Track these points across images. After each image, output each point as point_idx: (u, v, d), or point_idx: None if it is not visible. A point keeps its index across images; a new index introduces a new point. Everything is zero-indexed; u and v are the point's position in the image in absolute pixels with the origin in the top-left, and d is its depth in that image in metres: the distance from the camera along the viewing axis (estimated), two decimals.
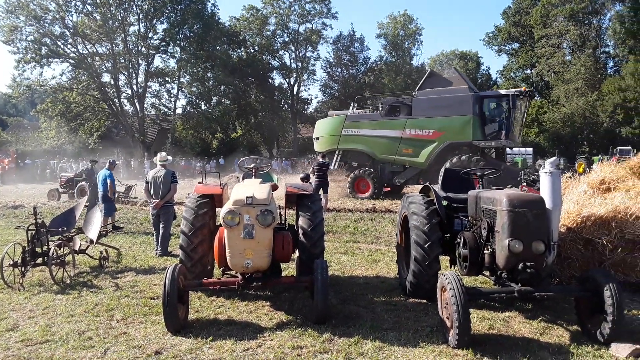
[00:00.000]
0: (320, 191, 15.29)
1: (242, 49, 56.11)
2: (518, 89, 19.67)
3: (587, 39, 49.99)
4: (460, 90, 19.39)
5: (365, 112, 22.15)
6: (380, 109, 21.12)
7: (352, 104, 23.64)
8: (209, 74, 51.74)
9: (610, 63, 53.37)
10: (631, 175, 7.18)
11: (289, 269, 7.75)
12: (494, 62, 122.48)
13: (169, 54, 50.82)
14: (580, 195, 7.18)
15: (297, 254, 6.39)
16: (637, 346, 4.45)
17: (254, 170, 6.91)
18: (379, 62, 62.40)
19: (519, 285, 4.83)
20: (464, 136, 18.89)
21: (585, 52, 49.04)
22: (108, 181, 11.86)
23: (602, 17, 52.04)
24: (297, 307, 5.98)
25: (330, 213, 14.72)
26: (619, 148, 36.91)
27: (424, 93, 20.00)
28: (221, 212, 5.31)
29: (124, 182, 19.26)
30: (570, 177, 7.90)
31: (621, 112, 44.19)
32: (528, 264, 4.74)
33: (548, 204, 5.00)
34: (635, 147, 35.25)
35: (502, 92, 20.41)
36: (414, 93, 20.91)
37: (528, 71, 58.38)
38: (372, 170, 20.07)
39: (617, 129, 45.46)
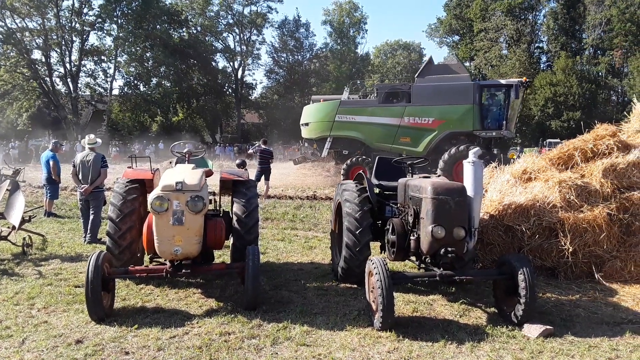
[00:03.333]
0: (263, 178, 15.24)
1: (183, 30, 54.43)
2: (519, 79, 19.37)
3: (522, 34, 52.28)
4: (462, 78, 18.94)
5: (360, 98, 21.47)
6: (375, 95, 20.29)
7: (345, 89, 22.85)
8: (148, 54, 49.95)
9: (544, 58, 56.17)
10: (550, 166, 7.62)
11: (224, 256, 7.70)
12: (436, 54, 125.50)
13: (105, 32, 48.61)
14: (504, 184, 7.57)
15: (231, 240, 6.36)
16: (548, 327, 4.76)
17: (187, 155, 6.77)
18: (324, 49, 62.45)
19: (441, 269, 5.05)
20: (465, 125, 18.46)
21: (520, 46, 51.27)
22: (51, 162, 11.33)
23: (537, 14, 54.63)
24: (229, 294, 5.97)
25: (270, 200, 14.71)
26: (548, 140, 39.10)
27: (424, 80, 19.31)
28: (149, 197, 5.18)
29: (11, 166, 17.63)
30: (495, 167, 8.29)
31: (551, 105, 46.69)
32: (450, 249, 4.95)
33: (469, 192, 5.22)
34: (563, 139, 37.44)
35: (503, 81, 20.00)
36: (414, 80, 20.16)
37: (467, 64, 60.34)
38: (369, 158, 18.98)
39: (548, 122, 48.05)
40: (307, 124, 21.66)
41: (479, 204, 5.40)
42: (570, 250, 6.48)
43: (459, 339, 4.62)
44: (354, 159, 18.94)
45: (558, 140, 37.47)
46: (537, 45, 55.25)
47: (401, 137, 19.30)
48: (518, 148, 42.00)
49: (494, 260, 6.77)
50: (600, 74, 49.17)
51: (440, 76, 19.23)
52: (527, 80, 19.54)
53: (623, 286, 6.32)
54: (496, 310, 5.37)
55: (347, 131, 20.12)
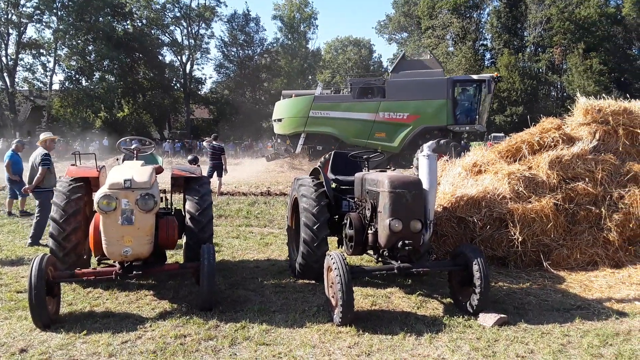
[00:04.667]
0: (215, 175, 14.90)
1: (128, 22, 52.48)
2: (491, 75, 19.56)
3: (468, 32, 53.83)
4: (436, 73, 18.91)
5: (334, 93, 21.06)
6: (349, 90, 20.03)
7: (318, 84, 22.45)
8: (90, 47, 47.90)
9: (488, 55, 58.07)
10: (499, 158, 7.86)
11: (176, 256, 7.46)
12: (385, 50, 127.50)
13: (44, 24, 46.24)
14: (455, 177, 7.74)
15: (184, 239, 6.14)
16: (502, 315, 4.89)
17: (135, 152, 6.47)
18: (275, 44, 62.02)
19: (399, 262, 5.07)
20: (439, 120, 18.47)
21: (466, 44, 52.80)
22: (6, 161, 10.71)
23: (481, 12, 56.39)
24: (183, 295, 5.77)
25: (223, 197, 14.42)
26: (493, 134, 40.52)
27: (398, 75, 19.21)
28: (96, 196, 4.91)
29: None
30: (447, 161, 8.46)
31: (495, 101, 48.38)
32: (407, 241, 4.97)
33: (425, 185, 5.27)
34: (507, 133, 38.90)
35: (476, 77, 20.07)
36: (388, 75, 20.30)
37: None
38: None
39: (492, 116, 49.75)
40: (280, 120, 21.22)
41: (434, 197, 5.47)
42: (520, 239, 6.70)
43: (417, 331, 4.66)
44: (329, 155, 18.81)
45: (502, 134, 38.92)
46: (481, 42, 57.08)
47: (376, 132, 19.25)
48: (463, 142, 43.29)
49: (448, 252, 6.90)
50: (540, 70, 51.38)
51: (414, 71, 19.25)
52: (498, 75, 19.93)
53: (570, 273, 6.59)
54: (452, 301, 5.46)
55: (321, 127, 19.86)
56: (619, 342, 4.44)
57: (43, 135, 8.94)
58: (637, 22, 46.70)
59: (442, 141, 17.38)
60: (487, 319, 4.85)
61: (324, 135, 20.02)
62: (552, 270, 6.64)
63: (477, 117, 18.96)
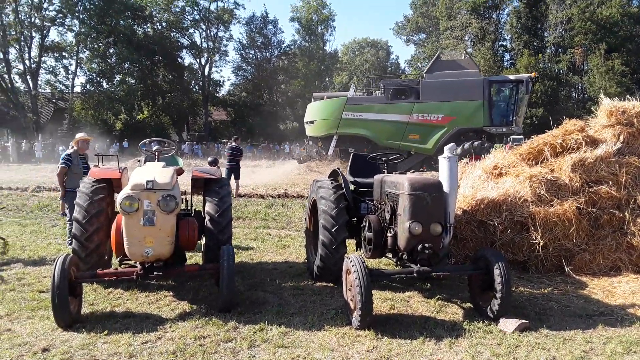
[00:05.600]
0: (232, 176, 14.98)
1: (148, 25, 53.18)
2: (529, 75, 19.23)
3: (487, 33, 53.27)
4: (472, 74, 18.61)
5: (366, 95, 20.79)
6: (382, 91, 19.84)
7: (352, 86, 22.41)
8: (111, 50, 48.66)
9: (507, 56, 57.37)
10: (520, 161, 7.74)
11: (195, 257, 7.52)
12: (402, 52, 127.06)
13: (67, 27, 47.08)
14: (476, 180, 7.65)
15: (204, 241, 6.19)
16: (523, 321, 4.81)
17: (157, 153, 6.54)
18: (292, 46, 62.20)
19: (418, 265, 5.03)
20: (475, 122, 18.20)
21: (485, 44, 52.27)
22: None
23: (500, 12, 55.74)
24: (202, 296, 5.81)
25: (241, 199, 14.48)
26: (512, 137, 39.95)
27: (433, 76, 18.91)
28: (118, 197, 4.98)
29: None
30: (466, 163, 8.37)
31: None
32: (426, 245, 4.94)
33: (445, 188, 5.23)
34: (527, 136, 38.39)
35: (513, 77, 19.72)
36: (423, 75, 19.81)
37: None
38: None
39: None
40: (312, 122, 21.06)
41: (454, 200, 5.42)
42: (541, 244, 6.59)
43: (437, 336, 4.62)
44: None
45: (521, 137, 38.37)
46: (500, 43, 56.44)
47: (410, 134, 18.98)
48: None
49: (467, 256, 6.83)
50: (561, 71, 50.62)
51: (450, 72, 18.89)
52: (536, 75, 19.55)
53: (592, 278, 6.46)
54: (472, 306, 5.40)
55: (354, 129, 19.61)
56: None
57: (78, 135, 8.84)
58: None
59: (475, 143, 17.04)
60: (508, 325, 4.78)
61: (356, 137, 19.78)
62: (574, 276, 6.52)
63: (514, 118, 18.58)
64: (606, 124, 7.74)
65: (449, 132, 18.54)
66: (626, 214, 6.85)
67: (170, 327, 4.82)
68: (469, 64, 19.72)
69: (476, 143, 17.05)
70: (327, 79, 63.34)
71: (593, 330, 4.77)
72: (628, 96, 8.41)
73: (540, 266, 6.75)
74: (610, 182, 7.01)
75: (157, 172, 5.26)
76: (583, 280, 6.40)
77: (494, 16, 55.15)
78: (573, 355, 4.23)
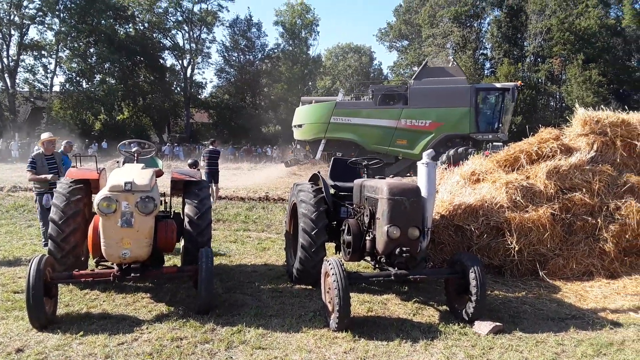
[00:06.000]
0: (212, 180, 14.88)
1: (130, 25, 52.61)
2: (514, 83, 19.48)
3: (468, 41, 54.00)
4: (459, 81, 18.87)
5: (355, 100, 20.67)
6: (370, 97, 19.95)
7: (341, 90, 22.45)
8: (91, 50, 47.99)
9: (487, 65, 58.23)
10: (497, 167, 7.90)
11: (174, 260, 7.47)
12: (385, 58, 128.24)
13: (46, 26, 46.28)
14: (454, 185, 7.78)
15: (183, 243, 6.17)
16: (497, 323, 4.91)
17: (136, 155, 6.51)
18: (276, 50, 62.16)
19: (396, 269, 5.10)
20: (462, 128, 18.42)
21: (466, 53, 52.98)
22: None
23: (482, 21, 56.56)
24: (180, 298, 5.79)
25: (221, 201, 14.44)
26: (491, 144, 40.53)
27: (421, 83, 19.13)
28: (96, 198, 4.94)
29: None
30: (445, 169, 8.50)
31: None
32: (404, 248, 5.01)
33: (424, 193, 5.30)
34: (505, 143, 39.00)
35: (499, 85, 20.04)
36: (410, 82, 19.93)
37: (416, 68, 61.67)
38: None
39: None
40: (300, 126, 21.09)
41: (432, 205, 5.49)
42: (516, 248, 6.73)
43: (413, 338, 4.68)
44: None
45: (500, 144, 38.93)
46: (481, 52, 57.25)
47: (398, 139, 19.14)
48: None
49: (444, 259, 6.93)
50: (540, 80, 51.57)
51: (437, 79, 19.17)
52: (522, 84, 19.84)
53: (565, 283, 6.62)
54: (448, 308, 5.48)
55: (342, 133, 19.72)
56: (613, 352, 4.47)
57: (43, 136, 8.70)
58: (636, 33, 46.94)
59: (460, 149, 17.26)
60: (483, 327, 4.87)
61: (344, 141, 19.89)
62: (548, 280, 6.67)
63: (499, 125, 18.89)
64: (581, 132, 7.94)
65: (436, 138, 18.78)
66: (599, 220, 7.03)
67: (147, 328, 4.79)
68: (457, 71, 20.03)
69: (460, 149, 17.27)
70: (310, 83, 63.43)
71: (565, 333, 4.89)
72: (602, 106, 8.66)
73: (515, 270, 6.88)
74: (584, 190, 7.20)
75: (136, 173, 5.24)
76: (556, 285, 6.55)
77: (475, 25, 55.95)
78: (545, 357, 4.33)
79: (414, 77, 20.29)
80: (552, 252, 6.89)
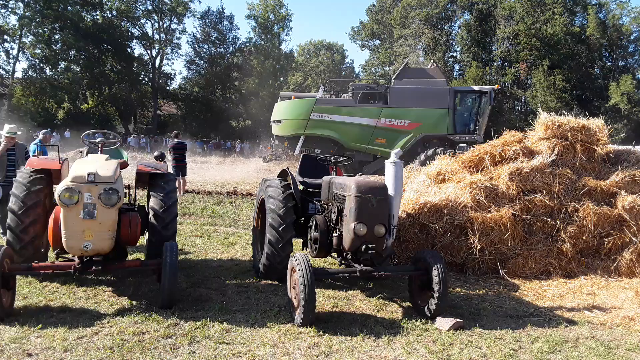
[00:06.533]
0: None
1: (97, 12, 51.12)
2: (492, 87, 19.79)
3: (438, 43, 54.80)
4: (439, 83, 19.08)
5: (335, 97, 20.58)
6: (351, 95, 19.94)
7: (321, 87, 22.18)
8: (56, 36, 46.42)
9: (457, 67, 59.24)
10: (462, 168, 8.08)
11: (137, 253, 7.35)
12: (357, 56, 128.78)
13: (10, 10, 44.50)
14: (420, 185, 7.91)
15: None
16: (458, 320, 5.04)
17: (100, 145, 6.36)
18: (248, 44, 61.61)
19: (362, 265, 5.17)
20: (440, 129, 18.61)
21: (436, 54, 53.75)
22: None
23: (452, 24, 57.51)
24: (143, 292, 5.70)
25: (188, 195, 14.26)
26: (458, 145, 41.32)
27: (401, 82, 19.28)
28: (57, 189, 4.82)
29: None
30: (412, 168, 8.63)
31: None
32: (370, 245, 5.08)
33: (390, 191, 5.38)
34: (470, 145, 39.78)
35: (477, 88, 20.34)
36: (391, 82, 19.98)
37: (387, 68, 62.27)
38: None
39: None
40: (279, 121, 20.88)
41: (398, 203, 5.58)
42: (478, 247, 6.92)
43: (376, 333, 4.75)
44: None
45: (466, 145, 39.69)
46: (451, 54, 58.19)
47: (377, 138, 19.21)
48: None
49: (409, 257, 7.05)
50: (506, 84, 52.82)
51: (417, 79, 19.40)
52: (499, 87, 20.19)
53: (524, 281, 6.83)
54: (411, 305, 5.59)
55: (322, 130, 19.71)
56: (567, 348, 4.64)
57: (4, 129, 8.55)
58: (600, 42, 48.56)
59: (438, 150, 17.53)
60: (444, 323, 4.99)
61: (323, 138, 19.92)
62: (508, 278, 6.87)
63: (476, 127, 19.26)
64: (543, 136, 8.19)
65: (414, 138, 19.04)
66: (557, 221, 7.28)
67: (108, 322, 4.71)
68: (436, 72, 20.34)
69: (439, 150, 17.57)
70: (282, 79, 63.16)
71: (522, 330, 5.05)
72: (565, 111, 8.95)
73: (476, 268, 7.07)
74: (544, 192, 7.44)
75: (100, 164, 5.14)
76: (516, 283, 6.76)
77: (445, 27, 56.83)
78: (502, 353, 4.46)
79: (394, 77, 20.46)
80: (512, 252, 7.09)
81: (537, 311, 5.68)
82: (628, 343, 4.81)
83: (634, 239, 7.12)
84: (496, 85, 21.11)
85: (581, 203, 7.41)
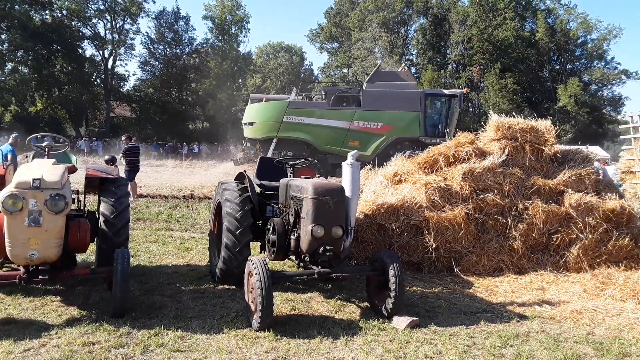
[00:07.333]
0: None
1: (47, 12, 49.21)
2: (461, 90, 20.23)
3: (395, 46, 55.71)
4: (410, 86, 19.30)
5: (308, 100, 20.49)
6: (324, 97, 19.88)
7: (294, 89, 21.89)
8: (3, 36, 44.43)
9: (413, 70, 60.38)
10: (418, 169, 8.23)
11: (88, 260, 7.09)
12: (316, 59, 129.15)
13: None
14: (377, 186, 8.00)
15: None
16: (414, 318, 5.11)
17: (47, 149, 6.10)
18: (204, 45, 60.74)
19: (320, 267, 5.17)
20: (412, 132, 18.82)
21: (393, 58, 54.61)
22: None
23: (408, 28, 58.58)
24: (93, 301, 5.50)
25: (142, 199, 13.88)
26: (428, 147, 42.02)
27: (373, 86, 19.37)
28: (0, 195, 4.58)
29: None
30: (370, 169, 8.72)
31: None
32: (328, 247, 5.09)
33: (347, 193, 5.41)
34: (424, 147, 40.52)
35: (447, 91, 20.68)
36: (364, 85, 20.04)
37: (345, 70, 62.78)
38: (316, 160, 18.46)
39: None
40: (251, 124, 20.64)
41: (356, 204, 5.62)
42: (434, 246, 7.06)
43: (334, 334, 4.76)
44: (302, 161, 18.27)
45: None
46: (408, 57, 59.27)
47: (350, 140, 19.32)
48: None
49: (368, 257, 7.10)
50: (461, 87, 54.24)
51: (390, 83, 19.65)
52: (468, 91, 20.72)
53: (478, 278, 7.01)
54: (369, 305, 5.63)
55: (295, 132, 19.65)
56: (519, 343, 4.78)
57: None
58: (548, 46, 50.59)
59: (407, 152, 17.84)
60: (400, 322, 5.05)
61: (296, 141, 19.87)
62: (462, 276, 7.04)
63: (446, 130, 19.75)
64: (494, 137, 8.44)
65: (387, 140, 19.33)
66: (508, 219, 7.52)
67: (56, 333, 4.52)
68: (408, 76, 20.77)
69: (408, 152, 17.94)
70: (240, 81, 62.62)
71: (476, 326, 5.17)
72: (515, 113, 9.26)
73: (432, 267, 7.21)
74: (496, 191, 7.67)
75: (46, 169, 4.93)
76: (470, 280, 6.92)
77: (402, 31, 57.83)
78: (457, 349, 4.56)
79: (367, 80, 20.71)
80: (466, 250, 7.27)
81: (490, 307, 5.84)
82: (576, 336, 5.00)
83: (580, 235, 7.43)
84: (465, 89, 21.82)
85: (530, 201, 7.67)
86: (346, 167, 5.60)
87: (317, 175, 6.55)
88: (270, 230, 5.84)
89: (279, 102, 20.65)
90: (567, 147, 9.08)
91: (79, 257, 6.73)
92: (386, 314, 5.22)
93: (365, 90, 20.02)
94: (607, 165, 14.69)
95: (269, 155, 20.27)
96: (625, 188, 10.94)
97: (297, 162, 6.86)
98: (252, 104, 22.07)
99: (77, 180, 6.34)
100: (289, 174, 6.77)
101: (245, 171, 6.72)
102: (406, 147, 18.98)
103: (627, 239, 7.45)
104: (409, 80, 20.44)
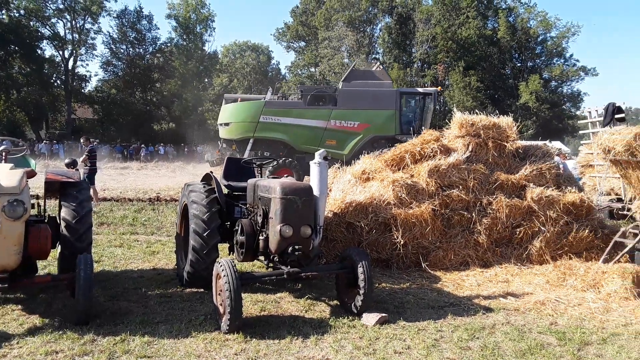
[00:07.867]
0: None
1: (3, 12, 47.48)
2: (435, 89, 20.45)
3: (362, 45, 56.11)
4: (385, 84, 19.34)
5: (284, 99, 20.28)
6: (300, 97, 19.71)
7: (269, 89, 21.50)
8: None
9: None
10: (385, 167, 8.32)
11: (50, 267, 6.88)
12: (283, 57, 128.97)
13: None
14: (346, 184, 8.05)
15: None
16: (383, 314, 5.16)
17: (4, 154, 5.88)
18: (169, 44, 59.72)
19: (289, 267, 5.15)
20: (388, 130, 18.84)
21: (360, 56, 54.97)
22: None
23: (374, 27, 59.09)
24: (56, 309, 5.33)
25: (106, 203, 13.56)
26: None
27: (350, 85, 19.33)
28: None
29: None
30: (338, 168, 8.76)
31: None
32: (297, 247, 5.08)
33: (315, 192, 5.41)
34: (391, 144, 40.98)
35: (421, 90, 20.81)
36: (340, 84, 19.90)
37: (313, 69, 62.82)
38: (295, 160, 18.28)
39: None
40: (227, 124, 20.28)
41: (324, 203, 5.63)
42: (402, 242, 7.15)
43: (304, 334, 4.76)
44: (281, 161, 17.98)
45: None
46: (374, 56, 59.75)
47: (327, 139, 19.22)
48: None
49: (337, 255, 7.13)
50: (426, 85, 55.05)
51: (365, 81, 19.70)
52: (441, 89, 20.96)
53: (445, 273, 7.14)
54: (339, 303, 5.65)
55: (272, 132, 19.45)
56: (485, 335, 4.89)
57: None
58: (510, 44, 51.89)
59: (383, 150, 17.98)
60: (370, 319, 5.09)
61: (273, 141, 19.70)
62: (430, 271, 7.15)
63: (422, 127, 19.95)
64: (458, 134, 8.61)
65: (364, 138, 19.44)
66: (473, 214, 7.68)
67: (17, 343, 4.36)
68: (383, 75, 20.90)
69: (384, 150, 18.10)
70: (206, 80, 61.86)
71: (444, 320, 5.26)
72: (478, 110, 9.46)
73: (400, 263, 7.30)
74: (460, 187, 7.83)
75: (3, 174, 4.76)
76: (437, 275, 7.04)
77: (368, 30, 58.29)
78: (425, 343, 4.63)
79: (342, 79, 20.80)
80: (433, 245, 7.40)
81: (457, 301, 5.95)
82: (540, 326, 5.15)
83: (542, 228, 7.65)
84: (438, 88, 22.22)
85: (494, 196, 7.86)
86: (314, 166, 5.60)
87: (285, 176, 6.52)
88: (239, 232, 5.78)
89: (255, 102, 20.53)
90: (529, 143, 9.35)
91: (41, 263, 6.52)
92: (356, 311, 5.24)
93: (341, 89, 20.14)
94: (567, 160, 15.19)
95: (246, 155, 20.13)
96: (585, 181, 11.29)
97: (264, 162, 6.82)
98: (227, 104, 21.82)
99: (37, 185, 6.14)
100: (256, 173, 6.73)
101: (211, 172, 6.64)
102: (382, 145, 19.16)
103: (587, 231, 7.72)
104: (384, 79, 20.66)
